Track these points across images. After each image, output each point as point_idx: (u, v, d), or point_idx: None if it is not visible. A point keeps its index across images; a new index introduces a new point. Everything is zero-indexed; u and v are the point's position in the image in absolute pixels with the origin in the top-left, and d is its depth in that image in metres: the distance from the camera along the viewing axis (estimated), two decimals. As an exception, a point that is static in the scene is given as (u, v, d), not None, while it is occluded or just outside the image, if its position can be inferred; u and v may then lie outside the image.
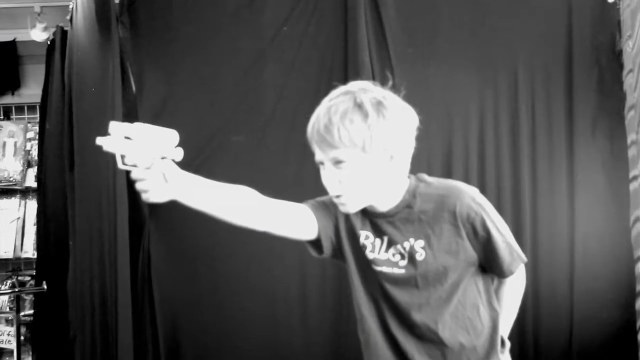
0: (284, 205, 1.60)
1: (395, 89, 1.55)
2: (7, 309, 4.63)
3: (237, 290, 2.91)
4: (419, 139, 1.55)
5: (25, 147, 4.80)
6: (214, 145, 2.91)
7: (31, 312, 4.42)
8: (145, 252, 2.94)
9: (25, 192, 4.84)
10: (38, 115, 4.40)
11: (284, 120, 2.87)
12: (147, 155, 1.35)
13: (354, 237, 1.65)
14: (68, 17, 3.55)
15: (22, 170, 4.75)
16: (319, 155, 1.52)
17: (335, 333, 2.86)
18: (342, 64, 2.88)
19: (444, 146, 2.84)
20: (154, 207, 2.73)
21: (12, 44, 4.84)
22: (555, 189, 2.84)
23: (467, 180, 2.71)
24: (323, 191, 1.57)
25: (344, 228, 1.66)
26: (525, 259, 1.64)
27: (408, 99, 1.56)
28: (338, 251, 1.68)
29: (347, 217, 1.63)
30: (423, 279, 1.59)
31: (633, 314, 2.69)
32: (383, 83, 1.57)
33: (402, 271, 1.60)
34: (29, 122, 4.90)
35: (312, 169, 1.60)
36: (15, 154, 4.76)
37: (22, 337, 4.39)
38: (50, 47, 3.98)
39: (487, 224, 1.55)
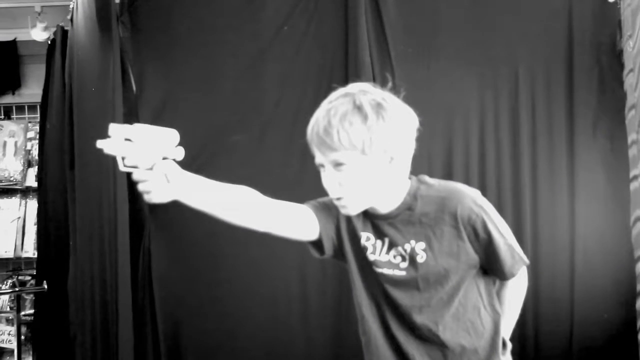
0: (285, 206, 1.60)
1: (395, 89, 1.55)
2: (8, 309, 4.63)
3: (238, 290, 2.91)
4: (420, 139, 1.55)
5: (25, 146, 4.80)
6: (214, 145, 2.91)
7: (32, 311, 4.43)
8: (146, 252, 2.94)
9: (25, 192, 4.84)
10: (38, 115, 4.40)
11: (285, 119, 2.87)
12: (148, 156, 1.35)
13: (355, 239, 1.65)
14: (69, 17, 3.55)
15: (23, 169, 4.75)
16: (318, 158, 1.52)
17: (336, 334, 2.86)
18: (342, 64, 2.88)
19: (444, 146, 2.84)
20: (155, 206, 2.72)
21: (13, 43, 4.84)
22: (555, 188, 2.84)
23: (467, 180, 2.72)
24: (324, 192, 1.56)
25: (345, 229, 1.66)
26: (527, 261, 1.63)
27: (408, 99, 1.56)
28: (339, 252, 1.68)
29: (348, 218, 1.63)
30: (424, 281, 1.58)
31: (634, 314, 2.69)
32: (383, 83, 1.57)
33: (403, 273, 1.60)
34: (30, 122, 4.91)
35: (313, 170, 1.59)
36: (15, 153, 4.77)
37: (22, 337, 4.40)
38: (51, 46, 3.98)
39: (488, 226, 1.54)
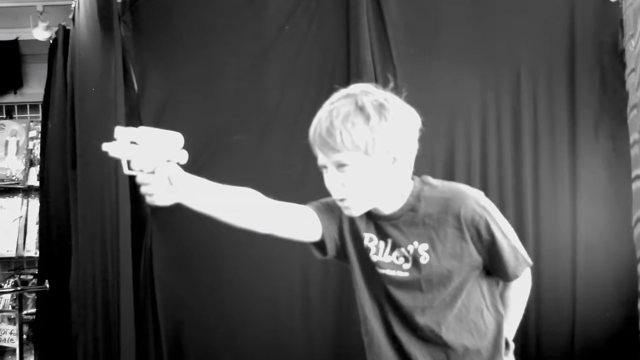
0: (287, 207, 1.59)
1: (396, 89, 1.55)
2: (10, 308, 4.64)
3: (239, 291, 2.91)
4: (421, 139, 1.55)
5: (27, 146, 4.81)
6: (215, 145, 2.91)
7: (33, 310, 4.43)
8: (148, 252, 2.94)
9: (27, 191, 4.85)
10: (40, 114, 4.40)
11: (286, 119, 2.87)
12: (153, 159, 1.35)
13: (358, 239, 1.64)
14: (70, 16, 3.55)
15: (25, 169, 4.76)
16: (321, 159, 1.51)
17: (338, 334, 2.86)
18: (344, 64, 2.88)
19: (446, 146, 2.85)
20: (157, 207, 2.72)
21: (15, 42, 4.84)
22: (557, 188, 2.84)
23: (469, 180, 2.72)
24: (326, 192, 1.56)
25: (348, 230, 1.65)
26: (530, 262, 1.63)
27: (410, 99, 1.55)
28: (342, 253, 1.67)
29: (351, 219, 1.63)
30: (427, 282, 1.58)
31: (635, 313, 2.69)
32: (385, 83, 1.56)
33: (406, 274, 1.59)
34: (32, 121, 4.91)
35: (315, 170, 1.59)
36: (17, 152, 4.77)
37: (24, 336, 4.40)
38: (53, 46, 3.98)
39: (492, 227, 1.54)
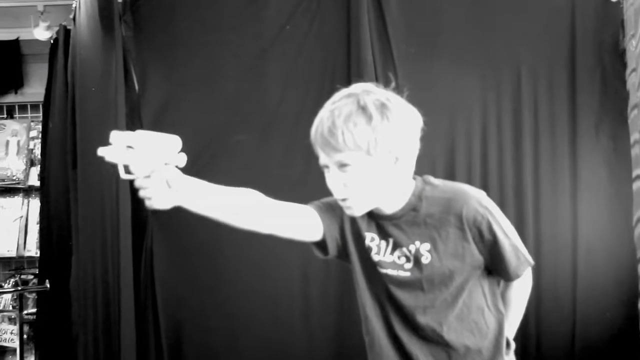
0: (288, 207, 1.59)
1: (398, 89, 1.54)
2: (10, 308, 4.64)
3: (240, 290, 2.91)
4: (422, 139, 1.54)
5: (28, 145, 4.82)
6: (216, 145, 2.91)
7: (34, 310, 4.44)
8: (148, 252, 2.94)
9: (28, 191, 4.86)
10: (41, 114, 4.40)
11: (287, 119, 2.87)
12: (150, 163, 1.33)
13: (359, 239, 1.64)
14: (71, 16, 3.55)
15: (25, 169, 4.77)
16: (323, 159, 1.51)
17: (338, 334, 2.86)
18: (345, 63, 2.88)
19: (447, 146, 2.84)
20: (156, 210, 2.73)
21: (16, 42, 4.85)
22: (558, 188, 2.84)
23: (470, 180, 2.72)
24: (327, 192, 1.56)
25: (349, 229, 1.65)
26: (532, 262, 1.63)
27: (410, 99, 1.55)
28: (343, 252, 1.67)
29: (352, 218, 1.62)
30: (428, 282, 1.58)
31: (636, 313, 2.68)
32: (386, 83, 1.56)
33: (408, 274, 1.59)
34: (32, 121, 4.92)
35: (316, 170, 1.59)
36: (18, 152, 4.78)
37: (25, 336, 4.41)
38: (54, 45, 3.98)
39: (494, 227, 1.54)
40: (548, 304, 2.79)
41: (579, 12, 2.85)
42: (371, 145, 1.44)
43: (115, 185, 2.79)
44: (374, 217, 1.61)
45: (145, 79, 2.98)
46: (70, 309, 3.49)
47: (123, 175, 1.33)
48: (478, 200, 1.55)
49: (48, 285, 3.91)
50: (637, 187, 2.68)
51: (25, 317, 4.40)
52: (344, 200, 1.52)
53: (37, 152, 4.68)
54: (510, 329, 1.70)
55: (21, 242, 4.76)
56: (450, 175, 2.75)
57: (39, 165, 4.51)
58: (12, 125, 4.89)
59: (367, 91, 1.49)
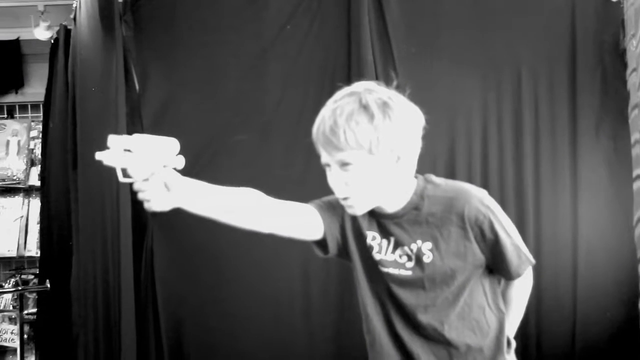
0: (289, 206, 1.59)
1: (399, 88, 1.54)
2: (11, 308, 4.64)
3: (240, 289, 2.91)
4: (423, 139, 1.54)
5: (28, 145, 4.82)
6: (216, 145, 2.91)
7: (34, 310, 4.44)
8: (149, 252, 2.94)
9: (28, 191, 4.86)
10: (41, 114, 4.40)
11: (287, 119, 2.87)
12: (148, 166, 1.34)
13: (360, 238, 1.64)
14: (72, 16, 3.55)
15: (26, 168, 4.77)
16: (324, 158, 1.50)
17: (339, 333, 2.86)
18: (345, 63, 2.88)
19: (447, 146, 2.84)
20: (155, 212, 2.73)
21: (16, 42, 4.86)
22: (558, 188, 2.84)
23: (470, 179, 2.72)
24: (327, 192, 1.56)
25: (350, 228, 1.65)
26: (533, 260, 1.63)
27: (411, 99, 1.55)
28: (344, 251, 1.67)
29: (353, 217, 1.62)
30: (430, 281, 1.58)
31: (636, 313, 2.69)
32: (387, 82, 1.56)
33: (409, 273, 1.59)
34: (33, 121, 4.92)
35: (316, 169, 1.59)
36: (18, 152, 4.78)
37: (25, 336, 4.41)
38: (54, 45, 3.98)
39: (495, 226, 1.54)
40: (548, 303, 2.79)
41: (579, 12, 2.85)
42: (373, 144, 1.44)
43: (116, 185, 2.79)
44: (376, 216, 1.61)
45: (146, 78, 2.98)
46: (70, 309, 3.49)
47: (122, 178, 1.34)
48: (480, 200, 1.55)
49: (48, 285, 3.91)
50: (638, 187, 2.68)
51: (26, 317, 4.40)
52: (345, 199, 1.52)
53: (38, 152, 4.68)
54: (511, 328, 1.70)
55: (21, 242, 4.76)
56: (451, 175, 2.75)
57: (40, 165, 4.51)
58: (12, 125, 4.89)
59: (369, 90, 1.49)
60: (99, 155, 1.31)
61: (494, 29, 2.88)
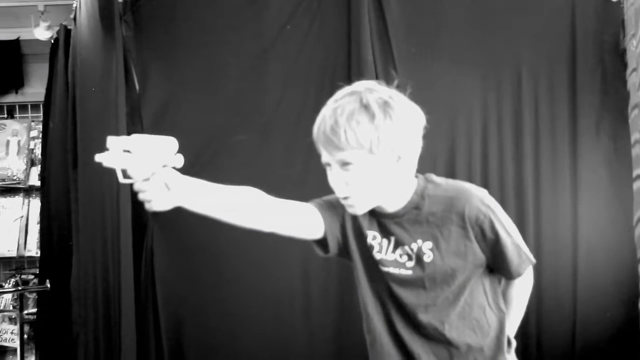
0: (290, 205, 1.59)
1: (400, 88, 1.54)
2: (11, 308, 4.64)
3: (240, 289, 2.91)
4: (423, 138, 1.54)
5: (28, 145, 4.82)
6: (217, 145, 2.92)
7: (34, 310, 4.44)
8: (149, 252, 2.94)
9: (28, 191, 4.86)
10: (42, 114, 4.40)
11: (287, 119, 2.87)
12: (148, 167, 1.34)
13: (361, 237, 1.64)
14: (72, 16, 3.55)
15: (26, 168, 4.77)
16: (325, 157, 1.50)
17: (339, 332, 2.86)
18: (345, 63, 2.88)
19: (447, 146, 2.85)
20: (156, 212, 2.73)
21: (16, 42, 4.86)
22: (558, 188, 2.84)
23: (470, 179, 2.72)
24: (327, 192, 1.56)
25: (350, 227, 1.65)
26: (533, 260, 1.63)
27: (411, 98, 1.55)
28: (344, 250, 1.67)
29: (354, 216, 1.62)
30: (430, 280, 1.58)
31: (636, 313, 2.69)
32: (387, 82, 1.55)
33: (410, 272, 1.59)
34: (33, 121, 4.92)
35: (316, 169, 1.59)
36: (18, 152, 4.78)
37: (25, 336, 4.41)
38: (54, 45, 3.98)
39: (496, 226, 1.54)
40: (549, 303, 2.79)
41: (579, 12, 2.85)
42: (373, 143, 1.44)
43: (116, 185, 2.78)
44: (376, 215, 1.61)
45: (146, 78, 2.98)
46: (70, 308, 3.49)
47: (122, 179, 1.34)
48: (480, 199, 1.55)
49: (48, 285, 3.91)
50: (638, 187, 2.69)
51: (26, 317, 4.40)
52: (345, 198, 1.52)
53: (38, 152, 4.68)
54: (512, 328, 1.70)
55: (22, 242, 4.76)
56: (451, 175, 2.74)
57: (40, 165, 4.51)
58: (12, 125, 4.89)
59: (370, 89, 1.49)
60: (98, 157, 1.31)
61: (494, 29, 2.88)
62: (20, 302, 4.34)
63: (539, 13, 2.88)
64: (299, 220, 1.61)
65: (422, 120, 1.53)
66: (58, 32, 3.92)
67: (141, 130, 2.85)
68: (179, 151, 1.38)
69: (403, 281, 1.60)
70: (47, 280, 3.94)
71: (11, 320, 4.62)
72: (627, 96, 2.78)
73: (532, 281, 1.71)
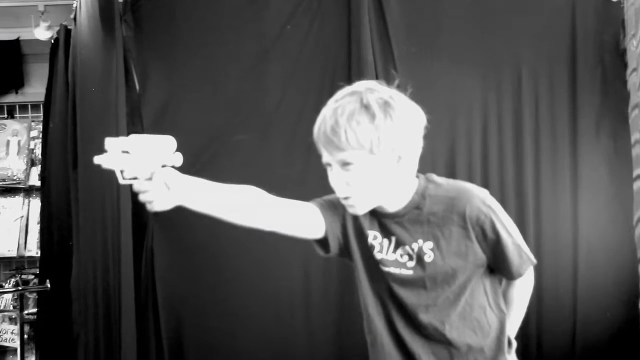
0: (290, 205, 1.59)
1: (400, 88, 1.54)
2: (11, 308, 4.65)
3: (240, 289, 2.91)
4: (423, 138, 1.55)
5: (29, 145, 4.82)
6: (217, 145, 2.91)
7: (35, 310, 4.44)
8: (149, 251, 2.94)
9: (28, 191, 4.86)
10: (42, 114, 4.41)
11: (287, 119, 2.87)
12: (147, 167, 1.34)
13: (361, 237, 1.64)
14: (72, 16, 3.56)
15: (26, 168, 4.77)
16: (325, 157, 1.50)
17: (339, 333, 2.86)
18: (345, 63, 2.88)
19: (447, 146, 2.85)
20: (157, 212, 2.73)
21: (16, 42, 4.86)
22: (558, 188, 2.84)
23: (470, 179, 2.71)
24: (327, 192, 1.56)
25: (351, 227, 1.65)
26: (534, 260, 1.63)
27: (411, 98, 1.55)
28: (345, 250, 1.67)
29: (355, 216, 1.62)
30: (431, 280, 1.58)
31: (636, 313, 2.69)
32: (388, 82, 1.55)
33: (410, 272, 1.59)
34: (33, 121, 4.92)
35: (316, 169, 1.59)
36: (19, 152, 4.78)
37: (25, 336, 4.41)
38: (54, 45, 3.98)
39: (497, 226, 1.54)
40: (549, 303, 2.79)
41: (579, 12, 2.85)
42: (374, 144, 1.44)
43: (116, 185, 2.76)
44: (377, 215, 1.61)
45: (146, 78, 2.98)
46: (70, 308, 3.50)
47: (121, 180, 1.34)
48: (481, 199, 1.55)
49: (49, 285, 3.92)
50: (638, 186, 2.69)
51: (26, 317, 4.40)
52: (346, 198, 1.52)
53: (38, 152, 4.69)
54: (512, 328, 1.69)
55: (22, 242, 4.77)
56: (451, 175, 2.74)
57: (40, 165, 4.52)
58: (12, 125, 4.89)
59: (371, 89, 1.48)
60: (97, 159, 1.31)
61: (494, 29, 2.88)
62: (21, 302, 4.34)
63: (539, 13, 2.88)
64: (300, 220, 1.61)
65: (423, 120, 1.53)
66: (58, 32, 3.93)
67: (141, 130, 2.85)
68: (179, 151, 1.38)
69: (404, 281, 1.60)
70: (47, 280, 3.94)
71: (11, 320, 4.62)
72: (627, 96, 2.78)
73: (533, 282, 1.71)
